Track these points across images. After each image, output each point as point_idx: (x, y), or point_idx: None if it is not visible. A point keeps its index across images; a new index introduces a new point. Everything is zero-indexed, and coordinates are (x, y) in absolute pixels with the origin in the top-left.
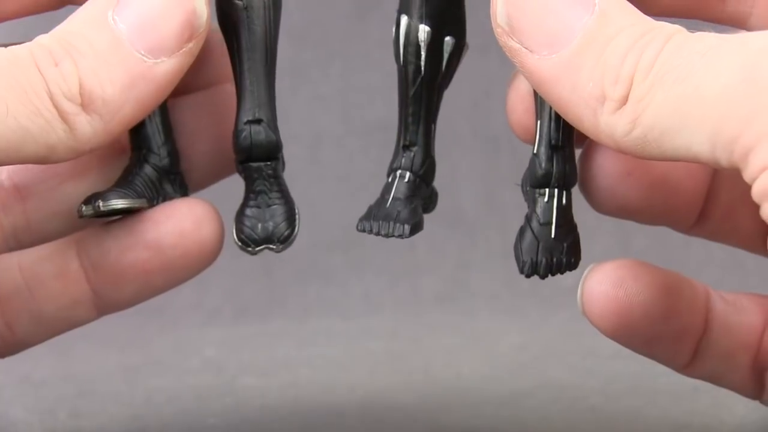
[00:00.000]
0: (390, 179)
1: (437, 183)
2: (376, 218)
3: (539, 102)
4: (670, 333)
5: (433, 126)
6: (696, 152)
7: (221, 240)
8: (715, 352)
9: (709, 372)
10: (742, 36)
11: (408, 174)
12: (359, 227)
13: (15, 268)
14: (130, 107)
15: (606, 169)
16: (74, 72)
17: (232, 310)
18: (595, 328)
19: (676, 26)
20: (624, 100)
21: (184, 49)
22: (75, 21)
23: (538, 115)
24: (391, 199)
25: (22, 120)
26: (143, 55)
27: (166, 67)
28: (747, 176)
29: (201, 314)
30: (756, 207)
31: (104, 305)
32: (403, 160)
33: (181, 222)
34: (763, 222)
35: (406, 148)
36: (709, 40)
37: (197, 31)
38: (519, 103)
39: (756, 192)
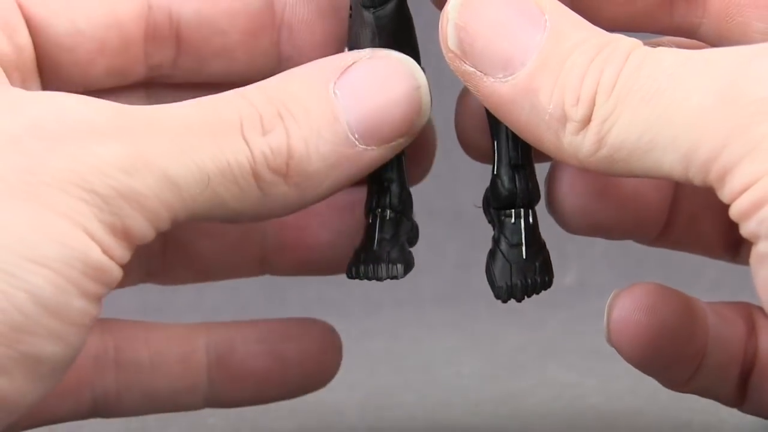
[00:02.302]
0: (371, 220)
1: (438, 182)
2: (366, 262)
3: (494, 121)
4: (688, 356)
5: (403, 158)
6: (667, 171)
7: (338, 367)
8: (711, 367)
9: (702, 387)
10: (705, 53)
11: (388, 212)
12: (350, 274)
13: (142, 341)
14: (328, 185)
15: (576, 190)
16: (284, 142)
17: (232, 310)
18: (620, 353)
19: (633, 40)
20: (587, 121)
21: (393, 143)
22: (294, 83)
23: (494, 135)
24: (377, 240)
25: (220, 189)
26: (356, 139)
27: (373, 156)
28: (724, 196)
29: (201, 314)
30: (717, 214)
31: (214, 399)
32: (381, 199)
33: (310, 343)
34: (723, 229)
35: (380, 185)
36: (671, 57)
37: (414, 130)
38: (468, 121)
39: (735, 212)
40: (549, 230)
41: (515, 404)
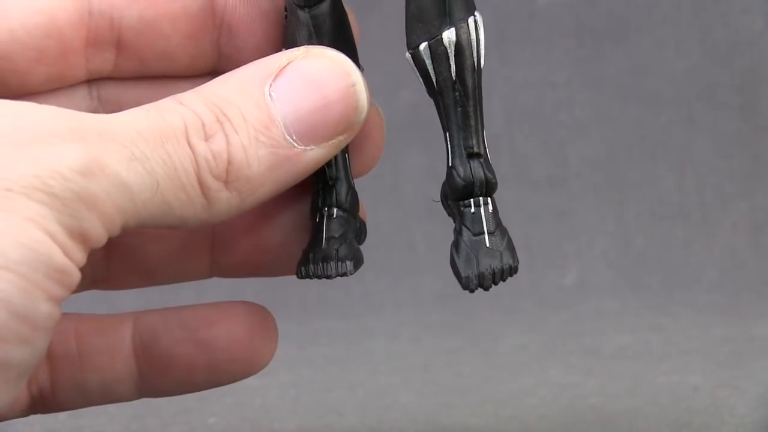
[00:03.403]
0: (317, 219)
1: (438, 182)
2: (315, 261)
3: (443, 112)
4: None
5: (347, 156)
6: None
7: (273, 350)
8: None
9: None
10: None
11: (335, 210)
12: (300, 274)
13: (71, 333)
14: (269, 188)
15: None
16: (225, 149)
17: None
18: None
19: None
20: None
21: (333, 141)
22: (229, 88)
23: (445, 125)
24: (325, 239)
25: (168, 196)
26: (294, 140)
27: (313, 155)
28: None
29: None
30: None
31: (146, 389)
32: (327, 197)
33: (235, 327)
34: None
35: (325, 184)
36: None
37: (353, 128)
38: None
39: None
40: (548, 230)
41: (515, 404)
